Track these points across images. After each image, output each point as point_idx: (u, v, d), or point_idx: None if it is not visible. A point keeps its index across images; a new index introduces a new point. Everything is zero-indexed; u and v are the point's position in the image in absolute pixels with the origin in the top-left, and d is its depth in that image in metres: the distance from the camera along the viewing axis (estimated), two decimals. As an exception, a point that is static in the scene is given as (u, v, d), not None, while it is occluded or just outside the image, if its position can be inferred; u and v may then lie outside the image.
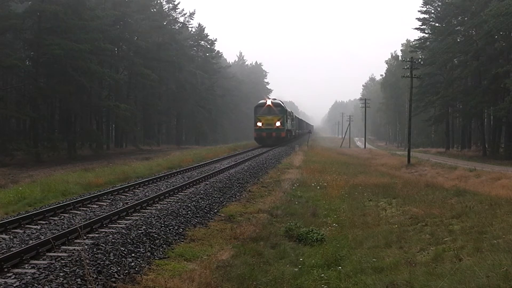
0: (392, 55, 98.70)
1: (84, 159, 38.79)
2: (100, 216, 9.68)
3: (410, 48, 73.33)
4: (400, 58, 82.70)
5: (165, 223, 9.59)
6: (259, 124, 41.80)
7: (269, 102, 42.28)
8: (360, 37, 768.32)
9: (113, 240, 7.80)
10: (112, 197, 12.80)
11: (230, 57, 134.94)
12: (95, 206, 11.59)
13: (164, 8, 68.30)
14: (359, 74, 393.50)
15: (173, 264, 7.38)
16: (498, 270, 6.28)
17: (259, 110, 42.45)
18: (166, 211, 10.55)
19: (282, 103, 44.74)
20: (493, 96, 47.52)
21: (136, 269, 6.84)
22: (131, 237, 8.16)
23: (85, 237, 8.04)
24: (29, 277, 6.05)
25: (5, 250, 7.35)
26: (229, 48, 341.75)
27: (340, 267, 7.80)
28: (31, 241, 7.88)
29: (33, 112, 38.50)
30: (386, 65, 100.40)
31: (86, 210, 11.04)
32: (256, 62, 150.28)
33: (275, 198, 14.44)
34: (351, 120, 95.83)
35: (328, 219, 12.10)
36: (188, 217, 10.51)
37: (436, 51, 55.98)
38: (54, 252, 7.25)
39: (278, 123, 41.78)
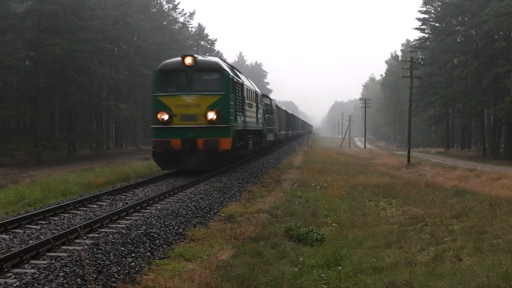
0: (392, 55, 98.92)
1: (84, 159, 38.78)
2: (100, 216, 9.67)
3: (410, 48, 73.46)
4: (400, 58, 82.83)
5: (165, 223, 9.59)
6: (163, 116, 16.88)
7: (189, 61, 16.96)
8: (360, 37, 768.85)
9: (113, 240, 7.79)
10: (112, 197, 12.80)
11: (230, 57, 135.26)
12: (95, 206, 11.59)
13: (164, 8, 68.31)
14: (359, 74, 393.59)
15: (173, 264, 7.38)
16: (498, 270, 6.28)
17: (165, 82, 17.55)
18: (166, 211, 10.55)
19: (226, 64, 19.89)
20: (493, 96, 47.61)
21: (136, 269, 6.84)
22: (131, 237, 8.16)
23: (85, 237, 8.04)
24: (29, 277, 6.05)
25: (5, 250, 7.34)
26: (229, 48, 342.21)
27: (340, 267, 7.80)
28: (31, 241, 7.88)
29: (33, 112, 38.49)
30: (386, 65, 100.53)
31: (86, 210, 11.03)
32: (256, 62, 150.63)
33: (275, 198, 14.44)
34: (351, 120, 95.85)
35: (328, 219, 12.10)
36: (188, 217, 10.50)
37: (436, 51, 56.09)
38: (54, 252, 7.25)
39: (211, 114, 16.74)
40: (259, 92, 26.99)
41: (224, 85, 17.08)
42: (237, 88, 18.63)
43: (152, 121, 17.82)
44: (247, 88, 21.43)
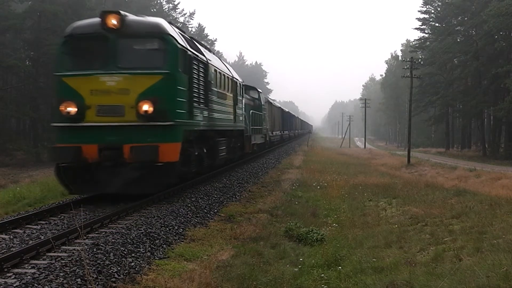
0: (392, 55, 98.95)
1: (84, 159, 38.72)
2: (100, 216, 9.67)
3: (410, 48, 73.53)
4: (400, 58, 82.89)
5: (165, 223, 9.59)
6: (70, 108, 10.71)
7: (113, 21, 10.77)
8: (360, 37, 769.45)
9: (113, 240, 7.80)
10: (112, 197, 12.75)
11: (230, 57, 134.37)
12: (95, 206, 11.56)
13: (164, 8, 68.39)
14: (359, 74, 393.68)
15: (173, 264, 7.38)
16: (498, 270, 6.28)
17: (74, 54, 11.34)
18: (166, 211, 10.55)
19: (177, 29, 12.58)
20: (493, 96, 47.70)
21: (136, 269, 6.84)
22: (131, 237, 8.16)
23: (85, 237, 8.03)
24: (29, 277, 6.05)
25: (5, 250, 7.34)
26: (229, 48, 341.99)
27: (340, 267, 7.80)
28: (31, 241, 7.88)
29: (33, 112, 38.52)
30: (386, 65, 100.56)
31: (86, 210, 11.01)
32: (256, 62, 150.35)
33: (275, 198, 14.44)
34: (351, 120, 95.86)
35: (328, 219, 12.12)
36: (188, 217, 10.50)
37: (436, 51, 56.12)
38: (54, 252, 7.24)
39: (146, 106, 10.59)
40: (240, 80, 20.37)
41: (169, 59, 11.03)
42: (195, 67, 12.62)
43: (52, 116, 11.64)
44: (216, 70, 15.20)
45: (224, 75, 16.63)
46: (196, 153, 13.42)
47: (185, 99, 11.68)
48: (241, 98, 20.09)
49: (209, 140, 14.95)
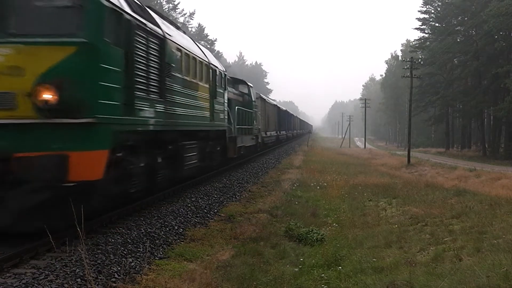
0: (392, 55, 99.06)
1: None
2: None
3: (410, 48, 73.59)
4: (400, 58, 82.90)
5: (165, 223, 9.60)
6: None
7: None
8: (360, 37, 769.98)
9: (113, 240, 7.80)
10: (112, 197, 12.72)
11: (230, 57, 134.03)
12: (95, 206, 11.55)
13: (164, 8, 68.45)
14: (359, 74, 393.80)
15: (173, 264, 7.38)
16: (498, 270, 6.29)
17: None
18: (166, 211, 10.55)
19: None
20: (493, 96, 47.76)
21: (136, 269, 6.84)
22: (131, 237, 8.17)
23: (85, 237, 8.02)
24: (29, 277, 6.05)
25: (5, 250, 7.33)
26: (229, 48, 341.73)
27: (340, 267, 7.81)
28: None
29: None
30: (386, 65, 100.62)
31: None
32: (256, 62, 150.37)
33: (275, 198, 14.44)
34: (351, 120, 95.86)
35: (328, 219, 12.12)
36: (188, 217, 10.51)
37: (436, 51, 56.18)
38: (54, 252, 7.24)
39: (47, 93, 6.85)
40: (222, 68, 16.82)
41: (88, 22, 7.32)
42: (141, 40, 9.02)
43: None
44: (181, 50, 11.57)
45: (195, 58, 12.78)
46: (142, 165, 9.62)
47: (118, 84, 7.95)
48: (222, 91, 16.24)
49: (167, 144, 11.14)
